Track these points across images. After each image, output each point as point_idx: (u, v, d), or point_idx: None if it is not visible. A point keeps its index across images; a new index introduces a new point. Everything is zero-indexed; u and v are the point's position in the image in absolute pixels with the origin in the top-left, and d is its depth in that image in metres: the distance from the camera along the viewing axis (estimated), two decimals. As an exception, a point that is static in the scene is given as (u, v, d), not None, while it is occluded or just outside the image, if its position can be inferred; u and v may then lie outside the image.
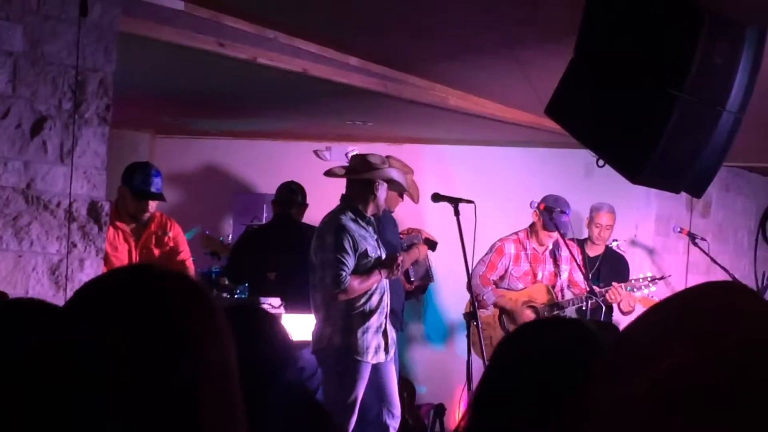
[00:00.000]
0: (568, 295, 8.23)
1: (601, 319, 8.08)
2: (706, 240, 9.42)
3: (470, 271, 7.17)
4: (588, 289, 7.98)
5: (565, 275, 8.24)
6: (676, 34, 4.00)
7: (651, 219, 9.86)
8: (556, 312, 8.02)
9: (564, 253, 8.20)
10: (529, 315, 8.01)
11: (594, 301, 7.97)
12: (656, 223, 9.89)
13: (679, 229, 9.51)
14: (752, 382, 1.21)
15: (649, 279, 8.33)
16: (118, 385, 1.54)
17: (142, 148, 11.60)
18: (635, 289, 8.24)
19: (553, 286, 8.18)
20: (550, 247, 8.26)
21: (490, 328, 8.09)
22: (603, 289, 8.09)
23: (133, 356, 1.56)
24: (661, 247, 9.92)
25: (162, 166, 11.03)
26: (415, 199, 8.10)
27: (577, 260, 8.08)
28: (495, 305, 8.13)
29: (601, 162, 4.42)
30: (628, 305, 8.21)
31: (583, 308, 8.17)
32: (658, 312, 1.40)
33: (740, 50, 4.16)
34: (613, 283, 8.16)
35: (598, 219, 8.88)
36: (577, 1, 4.40)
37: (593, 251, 8.87)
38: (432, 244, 7.83)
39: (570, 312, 8.15)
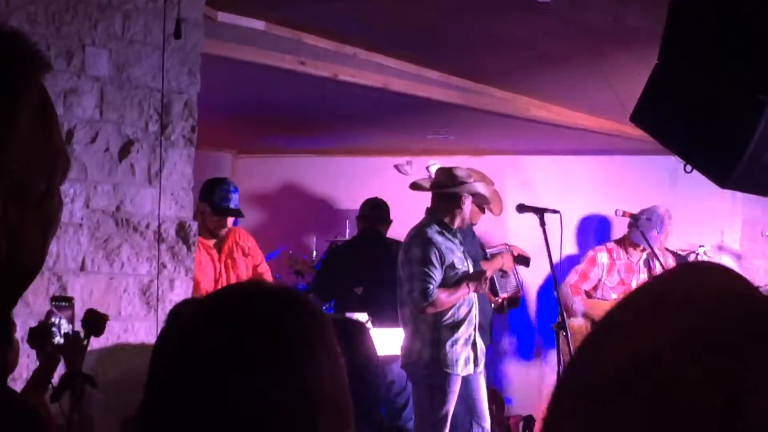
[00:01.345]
0: None
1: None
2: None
3: (557, 282, 7.14)
4: None
5: None
6: (762, 36, 3.95)
7: (737, 224, 9.74)
8: None
9: (661, 261, 8.14)
10: None
11: None
12: (743, 228, 9.76)
13: (766, 233, 9.38)
14: (676, 380, 1.20)
15: None
16: (237, 398, 1.63)
17: (225, 167, 11.70)
18: None
19: None
20: (644, 257, 8.21)
21: (580, 337, 8.05)
22: None
23: (252, 372, 1.65)
24: (749, 252, 9.78)
25: (244, 185, 11.14)
26: (496, 211, 8.08)
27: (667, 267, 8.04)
28: (585, 315, 8.09)
29: (688, 168, 4.37)
30: None
31: None
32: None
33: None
34: None
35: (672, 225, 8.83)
36: (659, 7, 4.38)
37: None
38: (524, 260, 7.81)
39: None
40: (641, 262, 8.22)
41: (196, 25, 5.20)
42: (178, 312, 4.34)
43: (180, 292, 5.19)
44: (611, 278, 8.17)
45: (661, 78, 4.37)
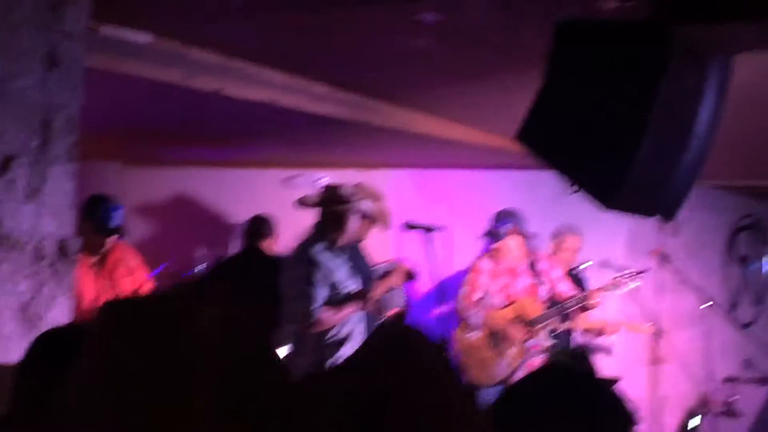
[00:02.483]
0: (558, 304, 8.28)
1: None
2: (675, 260, 9.46)
3: (443, 298, 7.20)
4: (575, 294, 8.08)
5: (546, 287, 8.27)
6: (646, 60, 4.00)
7: (621, 240, 9.87)
8: (545, 324, 8.06)
9: (543, 266, 8.25)
10: (519, 331, 8.03)
11: (578, 306, 8.04)
12: (627, 244, 9.90)
13: (649, 250, 9.54)
14: None
15: (630, 274, 8.39)
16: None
17: (111, 178, 11.52)
18: (619, 287, 8.30)
19: (538, 297, 8.22)
20: (526, 259, 8.30)
21: (480, 350, 8.09)
22: (583, 294, 8.15)
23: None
24: (633, 268, 9.92)
25: (132, 196, 11.01)
26: (385, 226, 8.07)
27: (551, 273, 8.18)
28: (483, 326, 8.13)
29: (574, 188, 4.41)
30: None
31: (557, 330, 8.21)
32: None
33: (708, 76, 4.17)
34: (590, 289, 8.26)
35: (565, 243, 8.94)
36: (547, 29, 4.41)
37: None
38: (410, 276, 7.83)
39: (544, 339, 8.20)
40: (523, 266, 8.31)
41: (80, 38, 5.10)
42: (44, 340, 4.22)
43: (61, 310, 5.07)
44: (496, 282, 8.24)
45: (546, 98, 4.40)
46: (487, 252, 8.37)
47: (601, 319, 9.11)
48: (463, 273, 8.27)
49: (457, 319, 8.14)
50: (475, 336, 8.11)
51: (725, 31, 3.42)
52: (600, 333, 9.01)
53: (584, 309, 8.20)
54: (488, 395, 8.05)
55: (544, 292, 8.24)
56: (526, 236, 8.17)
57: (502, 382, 8.12)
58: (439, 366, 2.07)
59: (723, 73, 4.26)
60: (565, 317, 8.03)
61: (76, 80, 5.08)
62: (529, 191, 9.63)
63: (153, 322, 1.84)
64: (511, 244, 8.21)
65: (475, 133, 8.35)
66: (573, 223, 8.99)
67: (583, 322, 8.88)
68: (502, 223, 8.20)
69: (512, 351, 8.08)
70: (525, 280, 8.28)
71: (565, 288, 8.30)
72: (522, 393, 2.53)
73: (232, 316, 1.89)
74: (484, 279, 8.23)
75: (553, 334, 8.21)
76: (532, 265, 8.29)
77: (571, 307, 7.99)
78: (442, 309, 8.28)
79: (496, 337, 8.10)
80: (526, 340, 8.09)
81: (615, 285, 8.31)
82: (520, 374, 8.07)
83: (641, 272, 8.50)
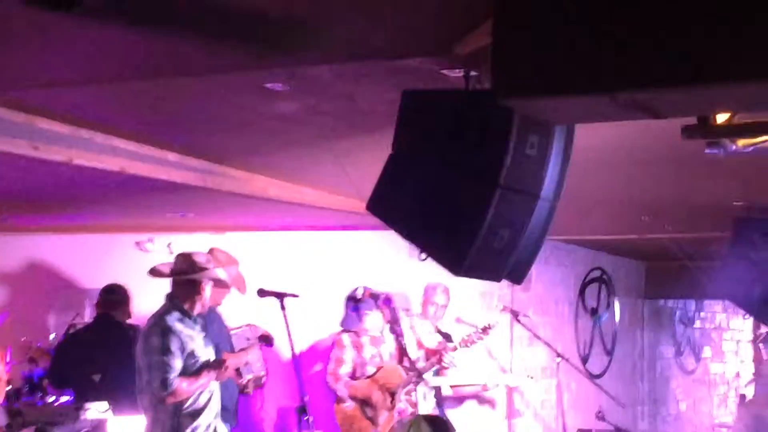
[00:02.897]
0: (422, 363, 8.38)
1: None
2: (528, 316, 9.63)
3: (298, 365, 7.24)
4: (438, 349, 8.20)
5: (413, 345, 8.38)
6: (490, 130, 4.09)
7: (475, 296, 10.00)
8: (411, 386, 8.16)
9: (403, 325, 8.36)
10: (385, 400, 8.11)
11: (433, 367, 8.17)
12: (480, 300, 10.04)
13: (501, 307, 9.70)
14: None
15: (479, 331, 8.54)
16: None
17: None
18: (470, 344, 8.45)
19: (402, 360, 8.30)
20: (386, 325, 8.38)
21: (356, 419, 8.18)
22: (436, 358, 8.28)
23: None
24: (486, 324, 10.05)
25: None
26: (242, 290, 8.05)
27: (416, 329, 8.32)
28: (352, 398, 8.22)
29: (423, 255, 4.47)
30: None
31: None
32: None
33: (550, 142, 4.28)
34: (445, 347, 8.38)
35: (435, 298, 9.06)
36: (392, 98, 4.48)
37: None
38: (267, 339, 7.82)
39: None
40: (385, 332, 8.38)
41: None
42: None
43: None
44: (365, 351, 8.32)
45: (395, 167, 4.46)
46: (349, 331, 8.48)
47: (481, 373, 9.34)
48: (321, 343, 8.36)
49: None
50: (350, 407, 8.18)
51: (564, 104, 3.52)
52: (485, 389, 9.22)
53: (441, 368, 8.33)
54: None
55: (412, 350, 8.35)
56: (386, 308, 8.26)
57: None
58: None
59: (566, 140, 4.37)
60: (420, 379, 8.12)
61: None
62: (386, 250, 9.69)
63: None
64: (372, 320, 8.33)
65: (328, 197, 8.39)
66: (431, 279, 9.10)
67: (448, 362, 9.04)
68: (360, 308, 8.32)
69: (382, 418, 8.15)
70: (390, 345, 8.38)
71: (431, 341, 8.44)
72: None
73: None
74: (348, 352, 8.32)
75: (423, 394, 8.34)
76: (393, 328, 8.39)
77: (427, 369, 8.10)
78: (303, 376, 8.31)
79: (366, 408, 8.18)
80: (392, 407, 8.17)
81: (466, 342, 8.45)
82: None
83: (488, 328, 8.65)
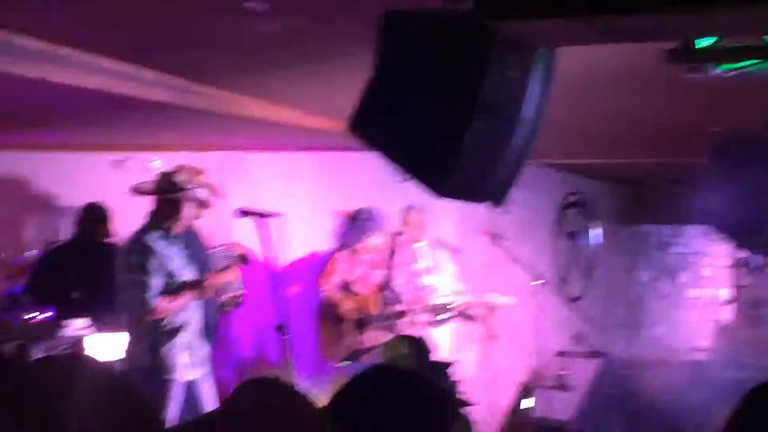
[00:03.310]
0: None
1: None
2: (505, 239, 9.65)
3: (277, 285, 7.27)
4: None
5: (404, 278, 8.45)
6: (470, 53, 4.07)
7: (453, 219, 10.02)
8: (380, 324, 8.22)
9: (401, 257, 8.42)
10: (355, 323, 8.18)
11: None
12: (459, 223, 10.06)
13: (480, 230, 9.72)
14: None
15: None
16: None
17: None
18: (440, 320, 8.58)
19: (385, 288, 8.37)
20: (382, 248, 8.43)
21: (328, 327, 8.24)
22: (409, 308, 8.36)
23: None
24: (464, 246, 10.09)
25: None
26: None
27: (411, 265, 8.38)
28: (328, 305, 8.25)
29: (404, 176, 4.47)
30: None
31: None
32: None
33: (532, 65, 4.27)
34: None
35: (409, 218, 9.11)
36: (372, 18, 4.44)
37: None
38: (245, 259, 7.80)
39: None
40: (383, 258, 8.44)
41: None
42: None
43: None
44: (353, 273, 8.36)
45: (376, 88, 4.44)
46: (346, 249, 8.47)
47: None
48: (299, 263, 8.36)
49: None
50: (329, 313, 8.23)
51: (545, 27, 3.51)
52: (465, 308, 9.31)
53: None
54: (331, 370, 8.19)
55: (401, 280, 8.40)
56: (385, 233, 8.30)
57: (344, 360, 8.27)
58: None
59: (547, 64, 4.35)
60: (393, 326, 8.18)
61: None
62: (369, 172, 9.67)
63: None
64: (373, 242, 8.34)
65: (310, 118, 8.37)
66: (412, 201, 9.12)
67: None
68: (361, 227, 8.31)
69: (348, 340, 8.19)
70: (381, 273, 8.43)
71: (419, 281, 8.51)
72: (354, 393, 2.61)
73: None
74: (340, 267, 8.34)
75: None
76: (391, 255, 8.45)
77: (397, 318, 8.17)
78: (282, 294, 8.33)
79: (336, 321, 8.20)
80: (361, 333, 8.20)
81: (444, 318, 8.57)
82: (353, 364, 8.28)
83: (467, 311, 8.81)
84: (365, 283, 8.41)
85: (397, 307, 8.36)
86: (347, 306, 8.27)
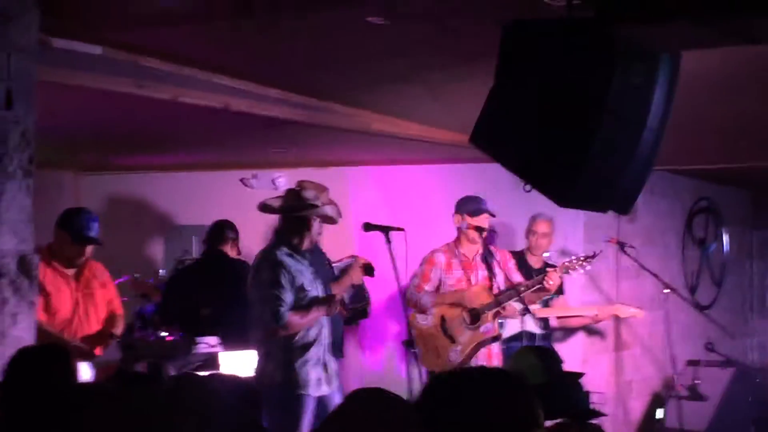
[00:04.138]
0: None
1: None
2: (634, 247, 9.53)
3: (405, 299, 7.26)
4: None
5: (500, 278, 8.29)
6: (594, 59, 4.04)
7: (580, 228, 9.93)
8: (495, 310, 8.09)
9: (497, 257, 8.27)
10: (464, 319, 8.06)
11: (530, 290, 8.09)
12: (585, 232, 9.96)
13: (607, 239, 9.61)
14: None
15: (582, 258, 8.43)
16: None
17: (66, 186, 11.51)
18: (570, 270, 8.35)
19: (490, 288, 8.22)
20: (481, 251, 8.31)
21: (434, 337, 8.10)
22: (539, 277, 8.20)
23: None
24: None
25: (87, 203, 10.97)
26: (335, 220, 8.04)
27: (507, 264, 8.24)
28: (436, 307, 8.12)
29: (528, 187, 4.45)
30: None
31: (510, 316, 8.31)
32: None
33: (656, 69, 4.22)
34: (548, 269, 8.30)
35: (535, 227, 9.02)
36: (493, 30, 4.44)
37: (536, 263, 8.99)
38: (370, 270, 7.81)
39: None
40: (479, 258, 8.33)
41: (31, 53, 5.08)
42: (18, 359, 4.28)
43: (24, 326, 5.06)
44: (451, 275, 8.25)
45: (498, 99, 4.43)
46: (445, 246, 8.38)
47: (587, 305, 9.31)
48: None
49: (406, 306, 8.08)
50: (427, 323, 8.11)
51: (669, 30, 3.47)
52: (595, 320, 9.19)
53: (540, 291, 8.23)
54: None
55: (499, 283, 8.26)
56: (486, 229, 8.17)
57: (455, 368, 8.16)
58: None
59: (671, 68, 4.30)
60: (523, 303, 8.02)
61: (30, 96, 5.06)
62: (490, 182, 9.63)
63: None
64: (470, 236, 8.22)
65: (431, 130, 8.37)
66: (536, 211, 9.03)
67: (560, 310, 9.02)
68: (472, 208, 8.22)
69: (464, 338, 8.09)
70: (481, 273, 8.31)
71: (519, 279, 8.35)
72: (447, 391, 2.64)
73: None
74: (437, 271, 8.24)
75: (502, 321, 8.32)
76: (486, 258, 8.31)
77: (522, 291, 7.99)
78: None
79: (447, 325, 8.10)
80: (477, 328, 8.10)
81: (567, 268, 8.34)
82: (473, 362, 8.16)
83: (593, 256, 8.52)
84: (463, 286, 8.30)
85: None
86: (453, 306, 8.16)
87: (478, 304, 8.08)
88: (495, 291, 8.15)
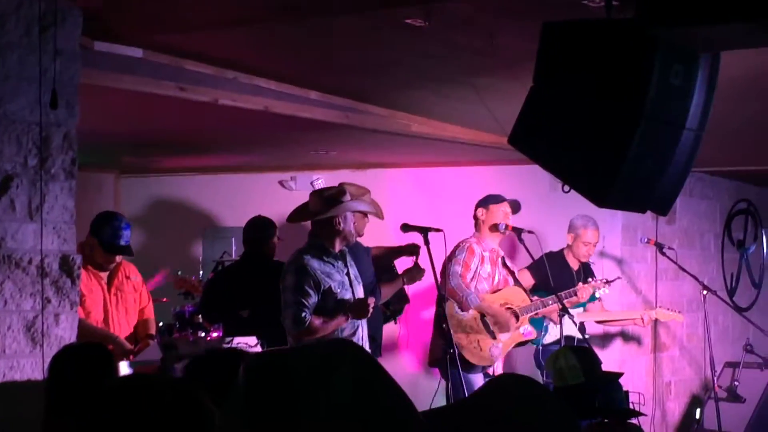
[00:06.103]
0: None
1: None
2: (673, 248, 9.49)
3: (444, 293, 7.28)
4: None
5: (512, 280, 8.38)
6: (633, 60, 4.05)
7: (618, 229, 9.91)
8: (534, 313, 8.15)
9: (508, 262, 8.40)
10: (510, 318, 8.09)
11: (568, 300, 8.13)
12: (623, 233, 9.95)
13: (646, 240, 9.57)
14: None
15: (604, 281, 8.54)
16: None
17: (107, 188, 11.59)
18: (595, 290, 8.46)
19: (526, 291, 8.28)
20: (501, 253, 8.37)
21: (474, 332, 8.09)
22: (572, 289, 8.27)
23: None
24: (629, 257, 9.98)
25: (127, 205, 11.07)
26: (380, 216, 8.05)
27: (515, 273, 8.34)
28: (477, 309, 8.12)
29: (566, 187, 4.46)
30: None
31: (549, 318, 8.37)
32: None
33: (696, 70, 4.22)
34: (580, 284, 8.36)
35: (586, 237, 8.93)
36: (532, 31, 4.46)
37: (575, 264, 8.98)
38: (415, 249, 7.79)
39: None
40: (499, 259, 8.39)
41: (73, 56, 5.15)
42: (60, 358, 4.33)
43: (66, 326, 5.13)
44: (484, 268, 8.26)
45: (536, 100, 4.45)
46: (475, 238, 8.38)
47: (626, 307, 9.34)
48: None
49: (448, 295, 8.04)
50: (466, 315, 8.10)
51: (709, 32, 3.47)
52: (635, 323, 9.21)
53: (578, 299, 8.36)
54: (476, 377, 8.12)
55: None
56: (516, 229, 8.21)
57: (490, 364, 8.21)
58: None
59: (711, 69, 4.31)
60: (563, 306, 8.05)
61: (72, 99, 5.13)
62: (525, 184, 9.64)
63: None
64: (493, 229, 8.29)
65: (469, 132, 8.39)
66: (576, 214, 9.00)
67: (602, 314, 9.04)
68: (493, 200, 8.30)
69: (504, 336, 8.11)
70: (501, 271, 8.36)
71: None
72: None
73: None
74: (476, 261, 8.23)
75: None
76: (504, 259, 8.38)
77: (561, 299, 8.02)
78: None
79: (489, 320, 8.11)
80: (516, 327, 8.13)
81: (593, 287, 8.47)
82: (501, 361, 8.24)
83: (613, 280, 8.69)
84: (492, 281, 8.32)
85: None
86: (497, 303, 8.18)
87: (515, 306, 8.12)
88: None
